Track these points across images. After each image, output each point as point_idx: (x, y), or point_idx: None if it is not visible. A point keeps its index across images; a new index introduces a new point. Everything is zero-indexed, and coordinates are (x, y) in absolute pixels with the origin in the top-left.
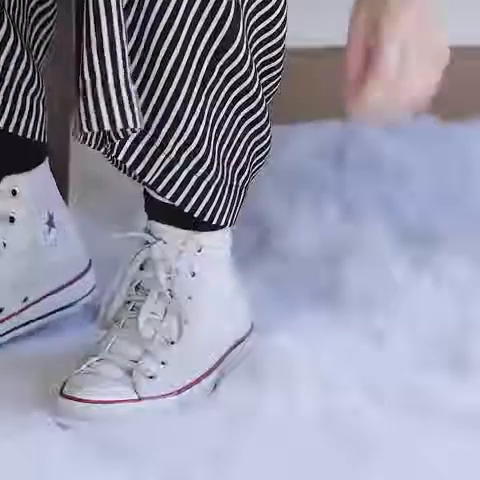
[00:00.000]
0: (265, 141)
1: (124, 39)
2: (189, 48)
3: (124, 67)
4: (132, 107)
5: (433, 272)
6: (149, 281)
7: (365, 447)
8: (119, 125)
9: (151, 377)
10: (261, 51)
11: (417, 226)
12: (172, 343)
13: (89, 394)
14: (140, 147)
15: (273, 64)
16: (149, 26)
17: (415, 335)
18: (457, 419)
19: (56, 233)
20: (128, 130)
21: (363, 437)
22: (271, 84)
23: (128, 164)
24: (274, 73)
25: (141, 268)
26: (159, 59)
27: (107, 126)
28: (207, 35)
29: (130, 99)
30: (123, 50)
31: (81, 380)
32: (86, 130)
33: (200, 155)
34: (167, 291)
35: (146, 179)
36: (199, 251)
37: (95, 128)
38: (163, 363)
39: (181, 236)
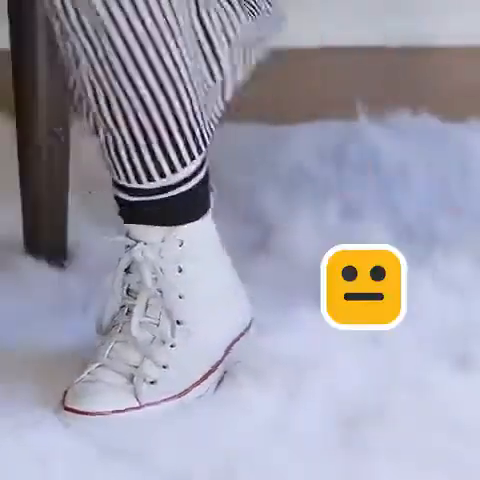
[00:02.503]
0: None
1: None
2: None
3: None
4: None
5: (433, 272)
6: (137, 284)
7: (366, 447)
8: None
9: (152, 382)
10: None
11: (417, 226)
12: (171, 346)
13: (90, 405)
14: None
15: None
16: None
17: (415, 335)
18: (457, 419)
19: None
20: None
21: (364, 437)
22: None
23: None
24: None
25: (128, 272)
26: None
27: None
28: None
29: None
30: None
31: (82, 390)
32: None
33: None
34: (157, 292)
35: (120, 182)
36: (181, 246)
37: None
38: (164, 367)
39: (160, 233)
